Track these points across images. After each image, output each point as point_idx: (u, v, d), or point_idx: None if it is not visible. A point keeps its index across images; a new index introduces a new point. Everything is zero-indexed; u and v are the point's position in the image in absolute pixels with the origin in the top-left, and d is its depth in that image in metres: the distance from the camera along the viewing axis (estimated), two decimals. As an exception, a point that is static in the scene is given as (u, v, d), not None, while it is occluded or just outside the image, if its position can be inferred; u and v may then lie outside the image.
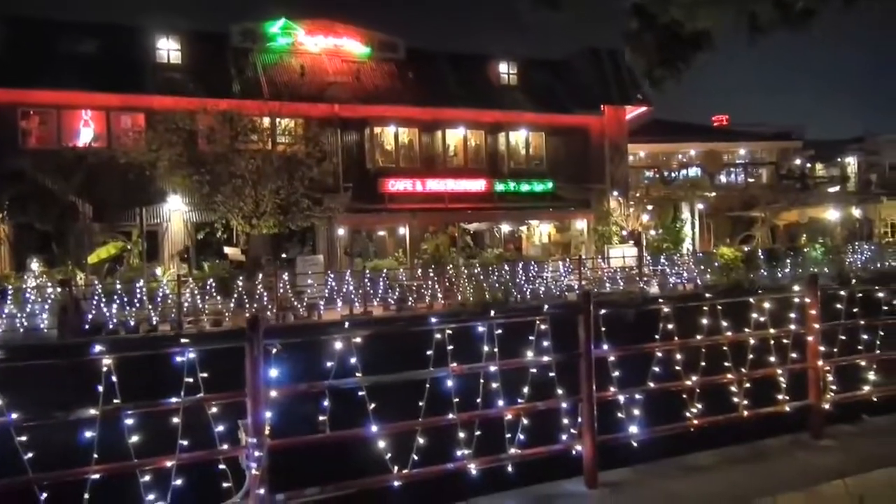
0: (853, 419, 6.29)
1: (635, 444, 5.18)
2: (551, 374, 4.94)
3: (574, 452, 4.98)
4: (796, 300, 5.92)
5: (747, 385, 5.68)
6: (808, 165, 43.98)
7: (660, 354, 5.32)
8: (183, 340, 4.08)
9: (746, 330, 5.78)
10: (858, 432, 6.07)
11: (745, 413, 5.60)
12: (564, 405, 4.93)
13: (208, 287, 17.05)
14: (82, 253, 18.54)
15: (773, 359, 5.77)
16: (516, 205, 25.74)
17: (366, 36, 25.90)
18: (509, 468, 4.78)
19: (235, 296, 16.99)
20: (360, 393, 4.35)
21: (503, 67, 27.52)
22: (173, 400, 3.94)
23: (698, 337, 5.55)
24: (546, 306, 5.04)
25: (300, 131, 22.80)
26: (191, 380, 4.12)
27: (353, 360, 4.35)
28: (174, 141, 19.13)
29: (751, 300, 5.80)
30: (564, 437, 4.94)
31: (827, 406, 5.92)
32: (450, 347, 4.63)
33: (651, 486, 4.99)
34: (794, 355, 5.90)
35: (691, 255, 24.18)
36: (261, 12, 24.69)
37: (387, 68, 25.95)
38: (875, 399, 6.29)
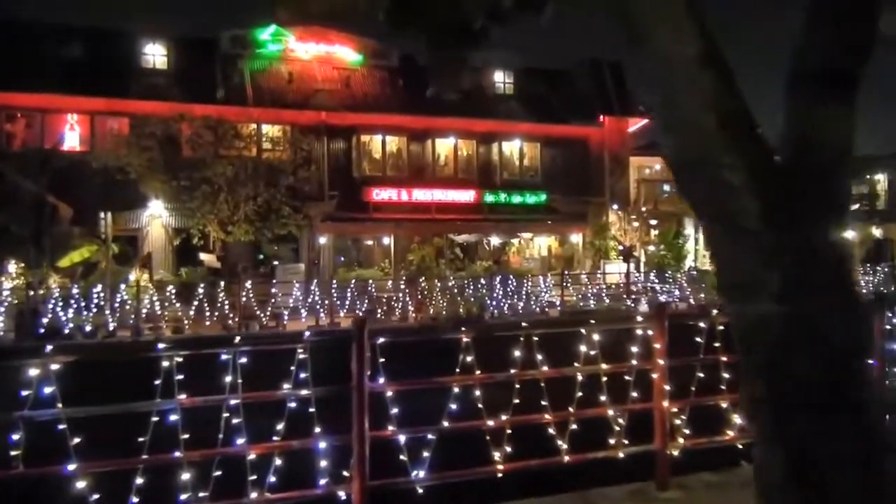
0: (716, 468, 5.56)
1: (421, 490, 4.58)
2: (311, 410, 4.39)
3: (343, 498, 4.42)
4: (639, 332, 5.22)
5: (574, 427, 5.01)
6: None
7: (457, 389, 4.71)
8: None
9: (576, 364, 5.12)
10: (714, 483, 5.34)
11: (567, 458, 4.93)
12: (324, 445, 4.36)
13: (168, 293, 16.88)
14: (56, 255, 18.53)
15: (603, 398, 5.09)
16: (506, 216, 25.05)
17: (359, 43, 25.53)
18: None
19: (195, 303, 16.77)
20: (61, 427, 3.86)
21: (498, 76, 26.91)
22: None
23: (512, 371, 4.91)
24: (307, 335, 4.47)
25: (286, 138, 22.62)
26: None
27: (48, 390, 3.86)
28: (147, 146, 19.07)
29: (582, 330, 5.13)
30: (324, 481, 4.37)
31: (675, 453, 5.22)
32: (178, 377, 4.10)
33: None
34: (635, 394, 5.22)
35: (685, 273, 23.14)
36: (258, 18, 24.45)
37: (378, 75, 25.60)
38: (741, 446, 5.53)
